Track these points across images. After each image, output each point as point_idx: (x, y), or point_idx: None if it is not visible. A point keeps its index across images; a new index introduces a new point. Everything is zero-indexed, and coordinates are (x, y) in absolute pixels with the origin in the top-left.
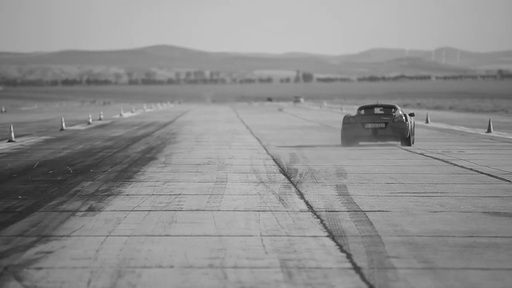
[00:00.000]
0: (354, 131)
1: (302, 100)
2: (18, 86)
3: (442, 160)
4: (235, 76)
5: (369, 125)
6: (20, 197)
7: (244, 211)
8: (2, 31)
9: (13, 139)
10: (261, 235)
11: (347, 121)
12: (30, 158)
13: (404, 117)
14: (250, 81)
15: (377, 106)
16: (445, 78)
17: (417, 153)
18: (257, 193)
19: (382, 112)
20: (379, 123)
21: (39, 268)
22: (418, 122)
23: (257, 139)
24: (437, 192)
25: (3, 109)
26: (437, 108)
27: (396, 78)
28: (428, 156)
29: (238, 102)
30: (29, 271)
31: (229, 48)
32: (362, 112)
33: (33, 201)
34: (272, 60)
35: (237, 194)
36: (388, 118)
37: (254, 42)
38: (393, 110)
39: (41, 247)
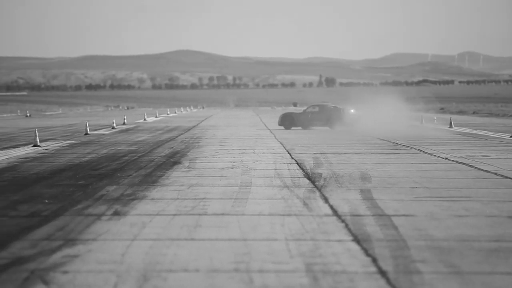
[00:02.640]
0: None
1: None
2: (42, 91)
3: (466, 164)
4: (258, 81)
5: None
6: (46, 201)
7: (269, 215)
8: (27, 37)
9: (38, 143)
10: (286, 239)
11: None
12: (55, 163)
13: None
14: (272, 85)
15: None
16: (468, 82)
17: (441, 157)
18: (282, 197)
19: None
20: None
21: (66, 272)
22: (441, 127)
23: (281, 143)
24: (462, 197)
25: (28, 114)
26: (461, 112)
27: (419, 83)
28: (452, 161)
29: (261, 106)
30: (55, 275)
31: (252, 53)
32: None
33: (58, 205)
34: (295, 65)
35: (261, 198)
36: None
37: (276, 47)
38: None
39: (67, 251)
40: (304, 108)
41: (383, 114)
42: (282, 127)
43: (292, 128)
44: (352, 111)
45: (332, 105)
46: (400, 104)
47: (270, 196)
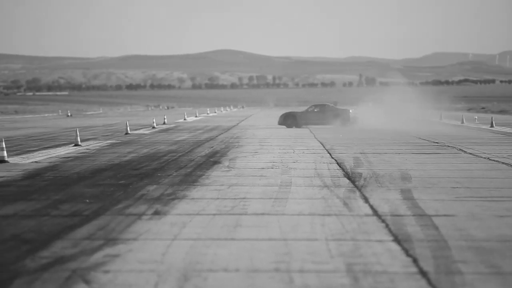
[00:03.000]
0: None
1: (370, 104)
2: (83, 90)
3: (508, 164)
4: (298, 81)
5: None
6: (87, 201)
7: (309, 215)
8: (68, 37)
9: (79, 143)
10: (326, 239)
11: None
12: (95, 162)
13: None
14: (312, 85)
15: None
16: (509, 82)
17: (482, 157)
18: (322, 197)
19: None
20: None
21: (107, 271)
22: (482, 126)
23: (321, 143)
24: (504, 197)
25: (69, 114)
26: (502, 112)
27: (459, 82)
28: (494, 160)
29: (300, 106)
30: (96, 274)
31: (291, 52)
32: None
33: (99, 205)
34: (335, 64)
35: (301, 198)
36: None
37: (316, 46)
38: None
39: (108, 251)
40: (306, 107)
41: (378, 113)
42: (283, 126)
43: (294, 127)
44: (351, 111)
45: (331, 104)
46: (426, 104)
47: (310, 195)
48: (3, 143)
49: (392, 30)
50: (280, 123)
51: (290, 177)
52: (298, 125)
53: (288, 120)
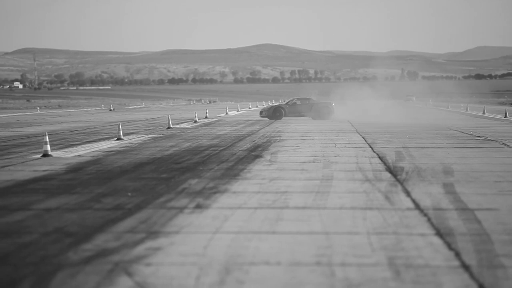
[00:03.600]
0: None
1: (414, 98)
2: (125, 85)
3: None
4: (339, 75)
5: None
6: (129, 194)
7: (351, 208)
8: (111, 32)
9: (122, 137)
10: (368, 233)
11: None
12: (138, 156)
13: None
14: (354, 79)
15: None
16: None
17: None
18: (363, 191)
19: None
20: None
21: (149, 264)
22: None
23: (363, 137)
24: None
25: (112, 108)
26: None
27: (502, 76)
28: None
29: (342, 100)
30: (139, 267)
31: (333, 47)
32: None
33: (141, 198)
34: (377, 59)
35: (343, 192)
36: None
37: (358, 41)
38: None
39: (150, 244)
40: (291, 100)
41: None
42: (272, 119)
43: (283, 118)
44: (333, 104)
45: (313, 98)
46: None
47: (351, 189)
48: (47, 137)
49: (434, 24)
50: (269, 116)
51: (332, 171)
52: (284, 117)
53: (277, 112)
